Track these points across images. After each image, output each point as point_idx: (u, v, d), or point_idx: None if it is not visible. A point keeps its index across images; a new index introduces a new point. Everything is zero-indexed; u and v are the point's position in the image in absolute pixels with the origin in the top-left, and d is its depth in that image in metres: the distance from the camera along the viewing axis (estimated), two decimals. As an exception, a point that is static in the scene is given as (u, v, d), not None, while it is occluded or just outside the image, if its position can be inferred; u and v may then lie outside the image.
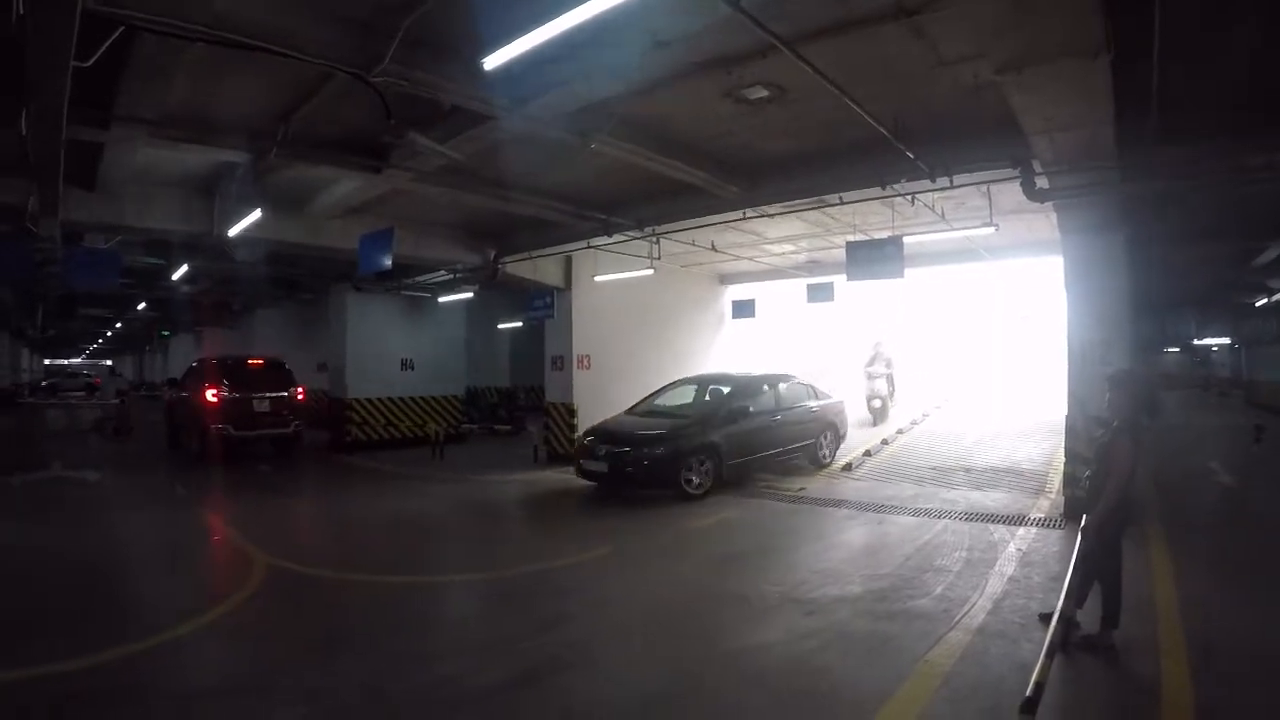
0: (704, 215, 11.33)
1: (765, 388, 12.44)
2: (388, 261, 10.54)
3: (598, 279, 15.08)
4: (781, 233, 13.93)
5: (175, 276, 17.19)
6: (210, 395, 14.46)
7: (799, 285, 17.03)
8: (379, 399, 17.80)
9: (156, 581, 6.93)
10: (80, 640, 5.16)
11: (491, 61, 5.30)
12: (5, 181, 8.78)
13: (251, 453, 15.33)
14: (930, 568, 6.90)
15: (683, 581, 6.83)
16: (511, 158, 9.11)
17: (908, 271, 10.45)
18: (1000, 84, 5.75)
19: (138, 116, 7.11)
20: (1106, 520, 4.63)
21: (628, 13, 4.59)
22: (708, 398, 12.15)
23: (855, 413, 16.68)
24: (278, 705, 4.29)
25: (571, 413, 14.62)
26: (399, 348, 18.29)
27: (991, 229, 10.34)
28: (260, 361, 15.99)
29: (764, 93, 7.33)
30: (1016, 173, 8.10)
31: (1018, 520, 8.70)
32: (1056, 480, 10.36)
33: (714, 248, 14.09)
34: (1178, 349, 33.96)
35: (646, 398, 12.85)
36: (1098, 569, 4.82)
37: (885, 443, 14.82)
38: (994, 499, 9.94)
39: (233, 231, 10.67)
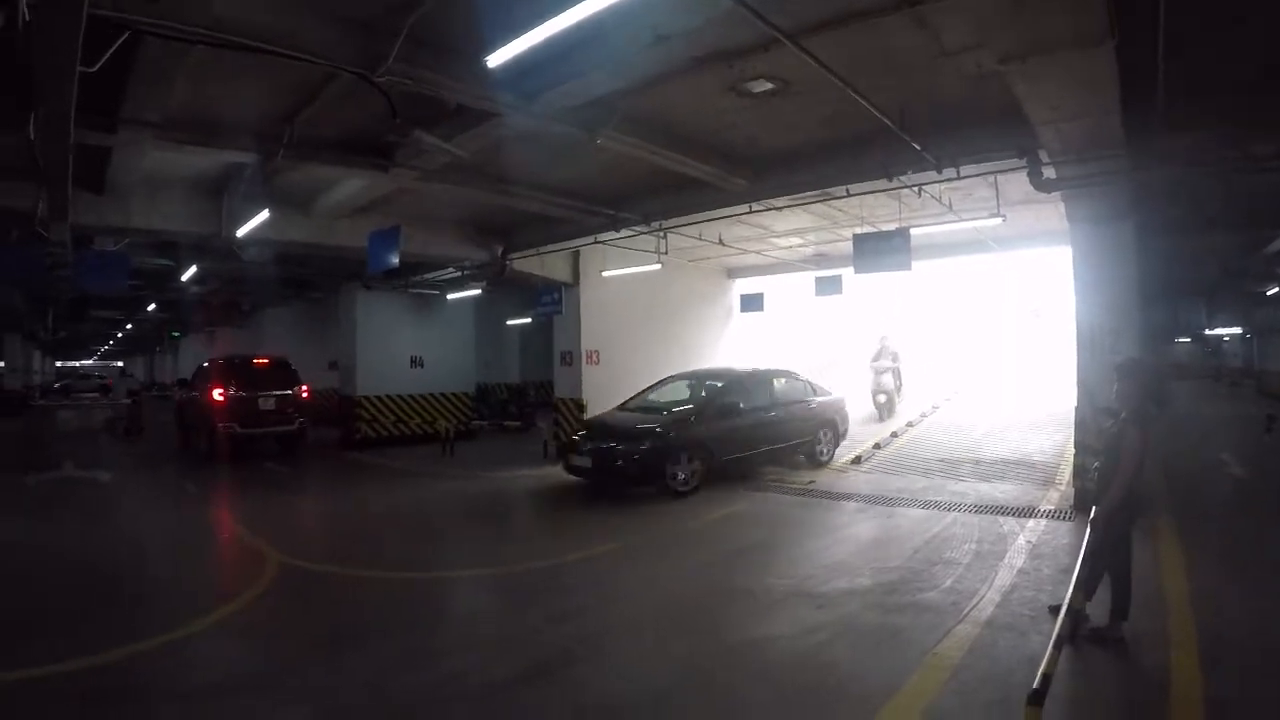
0: (710, 209, 11.32)
1: (758, 384, 12.28)
2: (395, 259, 10.57)
3: (605, 274, 15.10)
4: (788, 226, 13.92)
5: (184, 277, 17.30)
6: (217, 394, 14.76)
7: (807, 278, 17.01)
8: (389, 396, 17.86)
9: (169, 580, 6.97)
10: (92, 638, 5.20)
11: (495, 59, 5.31)
12: (15, 186, 8.83)
13: (260, 450, 15.50)
14: (939, 560, 6.89)
15: (692, 576, 6.84)
16: (517, 154, 9.13)
17: (916, 263, 10.42)
18: (1004, 74, 5.72)
19: (144, 120, 7.15)
20: (1115, 512, 4.61)
21: (629, 8, 4.60)
22: (702, 394, 11.98)
23: (862, 408, 16.68)
24: (288, 702, 4.32)
25: (581, 408, 14.64)
26: (408, 345, 18.35)
27: (999, 220, 10.30)
28: (265, 361, 16.31)
29: (767, 86, 7.32)
30: (1023, 163, 8.07)
31: (1027, 512, 8.67)
32: (1067, 472, 10.31)
33: (721, 241, 14.09)
34: (1189, 339, 33.78)
35: (639, 393, 12.76)
36: (1107, 561, 4.80)
37: (895, 435, 14.80)
38: (1003, 491, 9.92)
39: (241, 232, 10.72)
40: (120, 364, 63.15)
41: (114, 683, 4.60)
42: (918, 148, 7.96)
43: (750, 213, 11.27)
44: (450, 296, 18.21)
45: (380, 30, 5.76)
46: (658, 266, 14.06)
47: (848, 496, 10.00)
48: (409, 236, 11.28)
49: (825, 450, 12.55)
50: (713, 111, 8.20)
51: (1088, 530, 4.59)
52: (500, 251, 14.74)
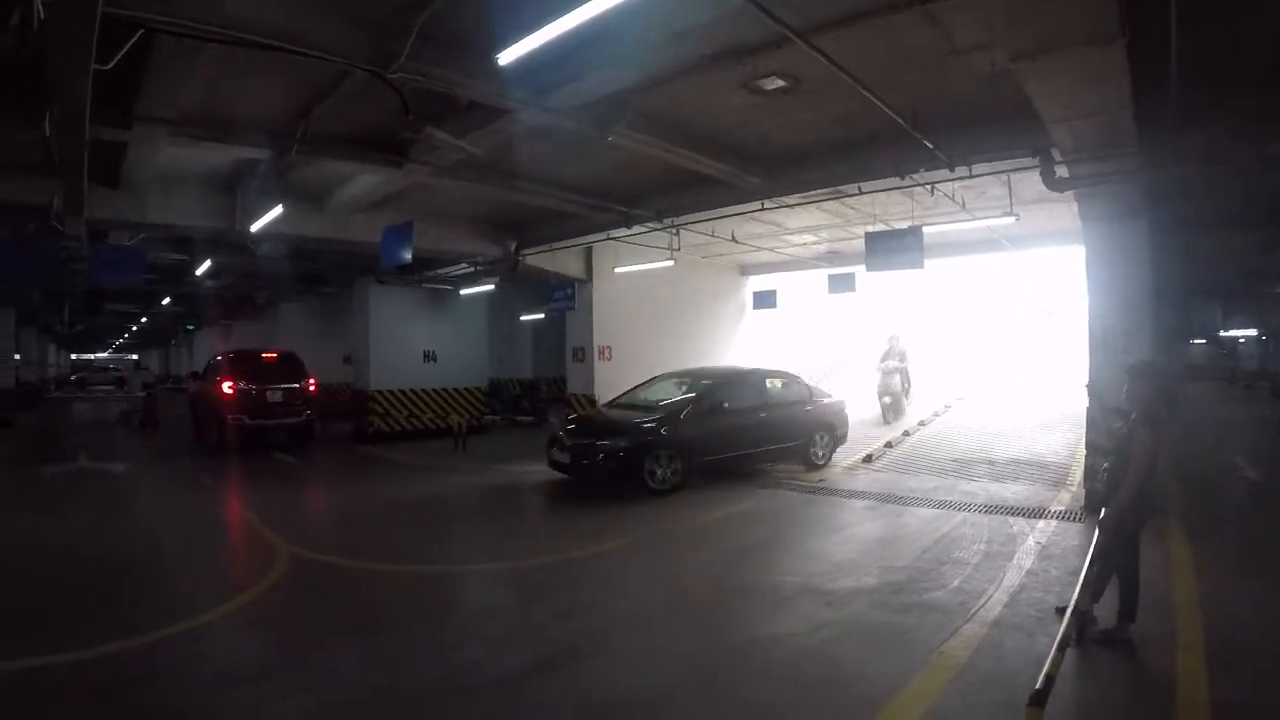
0: (723, 206, 11.33)
1: (749, 384, 12.06)
2: (408, 255, 10.64)
3: (618, 270, 15.15)
4: (801, 223, 13.92)
5: (199, 272, 17.43)
6: (227, 387, 15.19)
7: (820, 276, 16.99)
8: (401, 391, 17.95)
9: (182, 571, 7.05)
10: (109, 627, 5.27)
11: (506, 57, 5.33)
12: (31, 182, 8.93)
13: (271, 442, 15.70)
14: (948, 560, 6.88)
15: (701, 572, 6.85)
16: (529, 151, 9.17)
17: (929, 262, 10.40)
18: (1015, 72, 5.70)
19: (158, 116, 7.23)
20: (1124, 513, 4.59)
21: (640, 5, 4.61)
22: (688, 393, 11.70)
23: (871, 409, 16.59)
24: (302, 690, 4.36)
25: (593, 404, 14.70)
26: (421, 340, 18.43)
27: (1012, 218, 10.27)
28: (274, 355, 16.73)
29: (779, 83, 7.31)
30: (1036, 162, 8.04)
31: (1038, 513, 8.64)
32: (1078, 473, 10.26)
33: (734, 239, 14.10)
34: (1203, 340, 33.50)
35: (630, 390, 12.73)
36: (1115, 563, 4.79)
37: (907, 434, 14.76)
38: (1014, 491, 9.88)
39: (255, 227, 10.80)
40: (135, 357, 63.67)
41: (130, 671, 4.66)
42: (930, 146, 7.94)
43: (763, 210, 11.27)
44: (463, 292, 18.26)
45: (392, 28, 5.80)
46: (670, 263, 14.08)
47: (858, 495, 9.98)
48: (422, 232, 11.36)
49: (821, 454, 12.13)
50: (725, 109, 8.20)
51: (1096, 532, 4.58)
52: (513, 247, 14.79)
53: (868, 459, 12.57)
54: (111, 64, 5.08)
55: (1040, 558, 6.86)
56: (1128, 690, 4.30)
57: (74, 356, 59.69)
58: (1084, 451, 9.49)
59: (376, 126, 8.34)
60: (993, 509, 8.89)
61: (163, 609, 5.72)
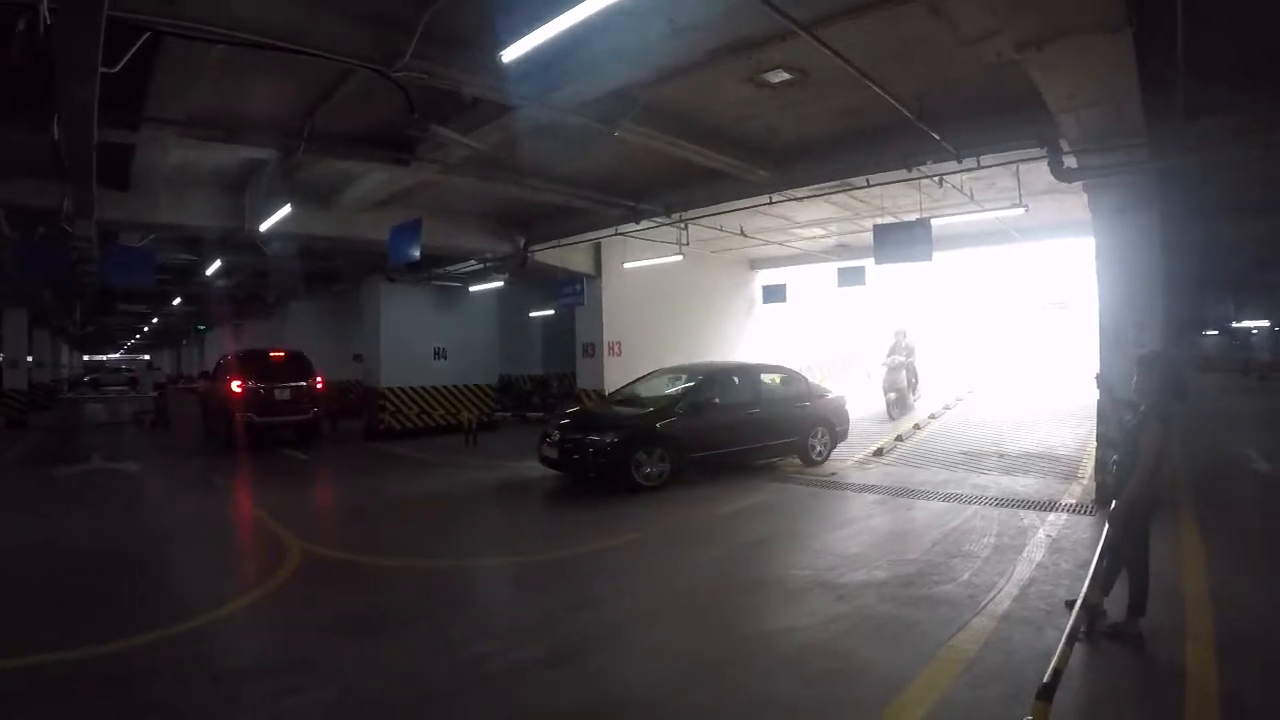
0: (731, 200, 11.34)
1: (743, 380, 11.94)
2: (416, 252, 10.67)
3: (627, 265, 15.15)
4: (810, 216, 13.89)
5: (209, 272, 17.55)
6: (236, 386, 15.45)
7: (830, 269, 16.95)
8: (412, 388, 18.02)
9: (194, 568, 7.11)
10: (119, 625, 5.30)
11: (509, 54, 5.34)
12: (41, 185, 9.01)
13: (280, 439, 15.93)
14: (958, 553, 6.85)
15: (711, 566, 6.84)
16: (536, 147, 9.18)
17: (938, 254, 10.38)
18: (1021, 61, 5.67)
19: (166, 118, 7.28)
20: (1134, 506, 4.56)
21: (643, 2, 4.60)
22: (679, 388, 11.59)
23: (878, 404, 16.52)
24: (314, 685, 4.38)
25: (603, 399, 14.69)
26: (432, 337, 18.48)
27: (1022, 210, 10.23)
28: (282, 354, 16.97)
29: (785, 76, 7.31)
30: (1044, 152, 8.00)
31: (1048, 506, 8.60)
32: (1089, 466, 10.20)
33: (743, 232, 14.09)
34: (1216, 331, 33.26)
35: (627, 385, 12.71)
36: (1125, 556, 4.77)
37: (917, 428, 14.72)
38: (1025, 484, 9.84)
39: (264, 226, 10.84)
40: (147, 357, 64.04)
41: (147, 665, 4.69)
42: (937, 137, 7.93)
43: (771, 204, 11.25)
44: (473, 289, 18.33)
45: (396, 26, 5.82)
46: (679, 258, 14.08)
47: (869, 489, 9.96)
48: (430, 229, 11.39)
49: (820, 450, 11.93)
50: (731, 102, 8.20)
51: (1106, 525, 4.56)
52: (522, 244, 14.83)
53: (878, 453, 12.55)
54: (118, 67, 5.12)
55: (1050, 551, 6.84)
56: (1137, 683, 4.28)
57: (86, 357, 60.14)
58: (1095, 444, 9.45)
59: (383, 125, 8.37)
60: (1003, 502, 8.86)
61: (176, 606, 5.75)
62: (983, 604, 5.48)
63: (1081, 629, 4.06)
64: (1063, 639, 3.37)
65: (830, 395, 12.77)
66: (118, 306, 25.74)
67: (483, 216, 14.16)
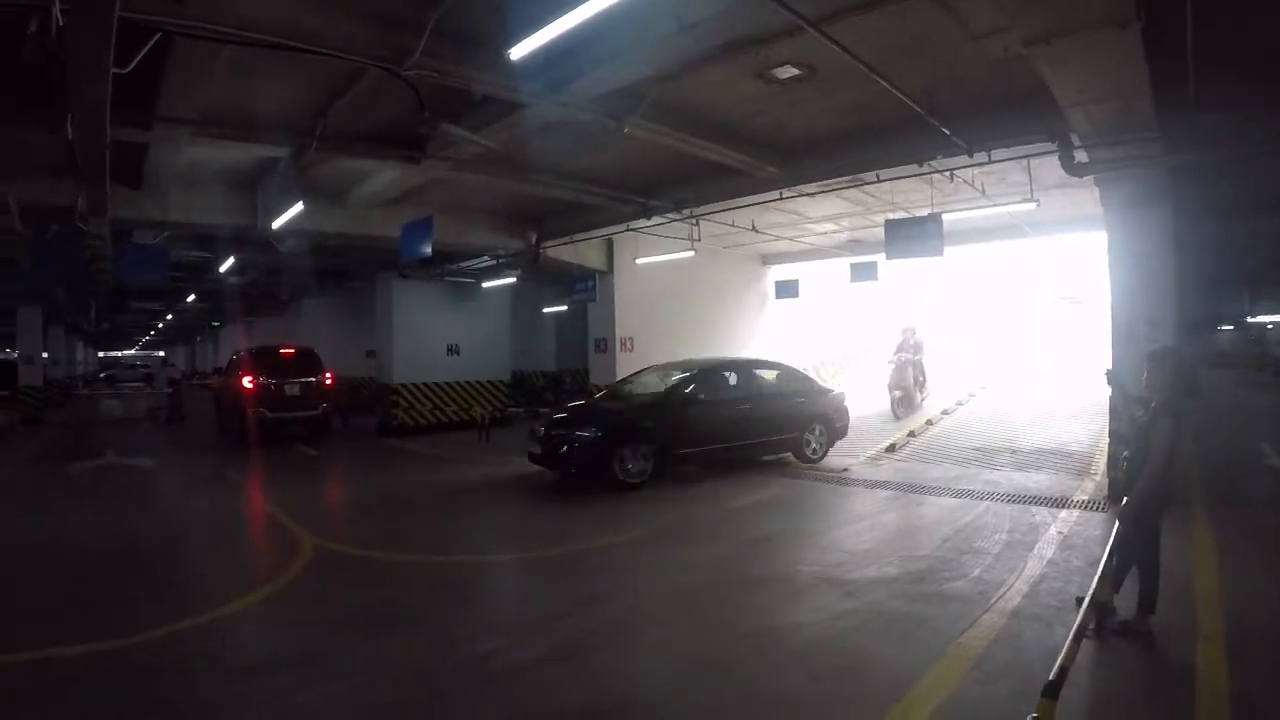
0: (742, 196, 11.32)
1: (736, 375, 11.74)
2: (428, 249, 10.71)
3: (639, 261, 15.16)
4: (821, 212, 13.86)
5: (222, 269, 17.65)
6: (247, 382, 15.60)
7: (842, 265, 16.91)
8: (425, 384, 18.11)
9: (207, 563, 7.17)
10: (133, 619, 5.34)
11: (518, 51, 5.36)
12: (55, 183, 9.08)
13: (289, 434, 16.10)
14: (969, 550, 6.84)
15: (719, 562, 6.85)
16: (546, 143, 9.19)
17: (949, 249, 10.33)
18: (1030, 57, 5.64)
19: (178, 117, 7.33)
20: (1145, 503, 4.54)
21: (649, -1, 4.61)
22: (668, 384, 11.40)
23: (887, 401, 16.45)
24: (325, 679, 4.42)
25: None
26: (444, 333, 18.56)
27: (1033, 204, 10.18)
28: (292, 350, 17.08)
29: (794, 72, 7.30)
30: (1054, 147, 7.96)
31: (1060, 502, 8.57)
32: (1102, 462, 10.16)
33: (754, 228, 14.05)
34: (1231, 326, 32.94)
35: (618, 381, 12.65)
36: (1135, 553, 4.74)
37: (930, 423, 14.69)
38: (1037, 481, 9.81)
39: (276, 224, 10.89)
40: (162, 353, 64.47)
41: (158, 660, 4.74)
42: (947, 132, 7.88)
43: (782, 199, 11.23)
44: (486, 285, 18.38)
45: (406, 25, 5.84)
46: (691, 253, 14.06)
47: (880, 484, 9.95)
48: (442, 226, 11.43)
49: (816, 448, 11.75)
50: (740, 98, 8.19)
51: (1116, 522, 4.54)
52: (534, 240, 14.86)
53: (891, 448, 12.53)
54: (130, 67, 5.16)
55: (1062, 547, 6.81)
56: (1147, 681, 4.26)
57: (101, 354, 60.60)
58: (1107, 440, 9.40)
59: (393, 123, 8.40)
60: (1015, 498, 8.83)
61: (189, 602, 5.80)
62: (993, 600, 5.47)
63: (1091, 626, 4.06)
64: (1070, 636, 3.37)
65: (830, 392, 12.68)
66: (131, 304, 25.91)
67: (494, 213, 14.19)
